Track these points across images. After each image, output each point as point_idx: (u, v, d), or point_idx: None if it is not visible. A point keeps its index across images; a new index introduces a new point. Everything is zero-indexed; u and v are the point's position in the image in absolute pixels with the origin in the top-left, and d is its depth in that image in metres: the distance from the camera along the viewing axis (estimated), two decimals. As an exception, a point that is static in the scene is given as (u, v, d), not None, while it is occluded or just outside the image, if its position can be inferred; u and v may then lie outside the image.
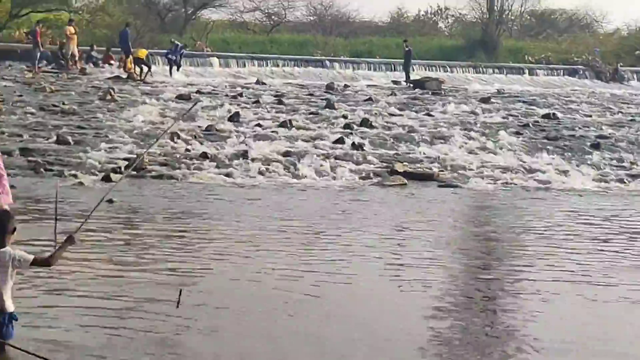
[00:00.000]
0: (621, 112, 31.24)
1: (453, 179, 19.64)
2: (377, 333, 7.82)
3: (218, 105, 27.06)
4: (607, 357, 7.53)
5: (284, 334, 7.77)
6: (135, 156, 18.95)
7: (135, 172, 17.44)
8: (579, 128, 26.59)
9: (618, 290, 9.81)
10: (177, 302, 7.98)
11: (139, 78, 33.81)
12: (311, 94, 31.69)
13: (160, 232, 12.43)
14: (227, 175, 18.79)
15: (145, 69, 34.44)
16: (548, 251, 11.91)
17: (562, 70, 46.33)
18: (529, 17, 63.49)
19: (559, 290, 9.68)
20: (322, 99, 29.85)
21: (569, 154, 22.91)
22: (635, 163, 22.26)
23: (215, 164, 19.59)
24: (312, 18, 61.54)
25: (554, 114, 28.97)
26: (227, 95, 29.81)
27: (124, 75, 34.26)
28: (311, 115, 26.08)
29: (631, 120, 29.06)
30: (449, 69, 43.83)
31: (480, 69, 44.76)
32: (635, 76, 46.93)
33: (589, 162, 22.08)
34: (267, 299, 8.84)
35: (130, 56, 35.28)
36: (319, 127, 24.36)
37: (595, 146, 23.78)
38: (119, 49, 36.58)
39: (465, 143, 23.30)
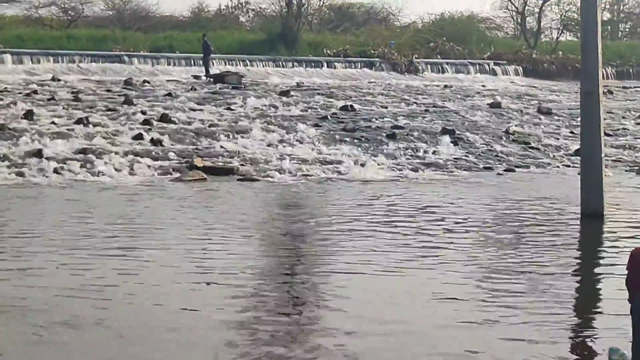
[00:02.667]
0: (416, 103, 32.19)
1: (253, 172, 19.73)
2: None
3: (11, 103, 26.12)
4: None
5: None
6: None
7: None
8: (376, 119, 27.21)
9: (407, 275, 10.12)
10: None
11: None
12: (109, 90, 31.08)
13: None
14: (20, 175, 18.20)
15: None
16: (345, 236, 12.14)
17: (359, 63, 47.24)
18: (327, 11, 64.51)
19: (358, 269, 9.88)
20: (120, 95, 29.32)
21: (366, 144, 23.44)
22: (428, 152, 23.02)
23: (7, 163, 18.94)
24: (110, 13, 60.31)
25: (351, 105, 29.55)
26: (20, 93, 28.80)
27: None
28: (109, 112, 25.57)
29: (425, 110, 29.97)
30: (249, 63, 43.90)
31: (281, 62, 45.06)
32: (429, 67, 48.43)
33: (384, 152, 22.65)
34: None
35: None
36: (117, 123, 23.93)
37: (391, 136, 24.42)
38: None
39: (265, 136, 23.45)
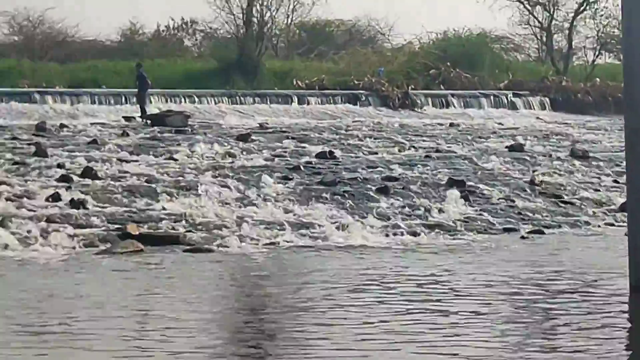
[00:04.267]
0: (413, 147, 32.35)
1: (204, 240, 19.69)
2: None
3: None
4: None
5: None
6: None
7: None
8: (363, 169, 27.30)
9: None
10: None
11: None
12: (15, 138, 31.08)
13: None
14: None
15: None
16: (324, 332, 12.09)
17: (340, 97, 47.56)
18: (298, 31, 64.92)
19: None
20: (29, 144, 29.30)
21: (350, 202, 23.45)
22: (431, 210, 23.05)
23: None
24: (16, 38, 60.54)
25: (330, 152, 29.64)
26: None
27: None
28: (15, 166, 25.54)
29: (426, 156, 30.09)
30: (197, 99, 44.12)
31: (238, 97, 45.32)
32: (429, 101, 48.79)
33: (375, 212, 22.65)
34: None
35: None
36: (25, 181, 23.87)
37: (383, 191, 24.46)
38: None
39: (220, 194, 23.45)
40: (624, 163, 16.27)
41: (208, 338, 11.92)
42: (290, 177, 25.72)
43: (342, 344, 11.19)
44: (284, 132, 35.08)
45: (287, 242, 20.06)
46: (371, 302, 13.79)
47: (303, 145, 31.51)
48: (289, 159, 28.64)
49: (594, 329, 12.12)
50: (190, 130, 34.62)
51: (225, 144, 30.70)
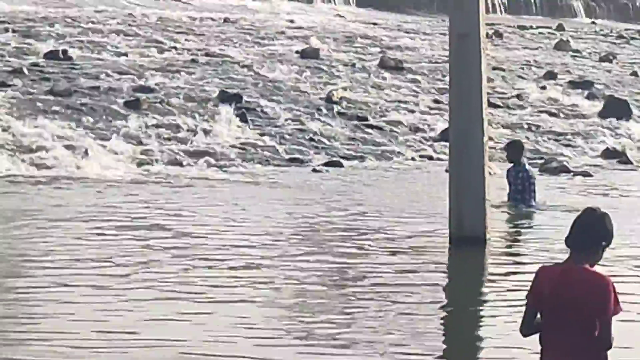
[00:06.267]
0: (175, 48, 32.18)
1: None
2: None
3: None
4: None
5: None
6: None
7: None
8: (107, 75, 27.13)
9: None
10: None
11: None
12: None
13: None
14: None
15: None
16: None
17: (78, -24, 47.02)
18: None
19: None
20: None
21: (90, 118, 23.37)
22: (196, 132, 23.16)
23: None
24: None
25: (64, 51, 29.35)
26: None
27: None
28: None
29: (192, 61, 30.03)
30: None
31: None
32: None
33: (122, 133, 22.65)
34: None
35: None
36: None
37: (133, 105, 24.43)
38: None
39: None
40: (447, 77, 16.59)
41: None
42: (9, 83, 25.46)
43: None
44: (2, 22, 34.55)
45: (5, 169, 19.99)
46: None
47: (28, 41, 31.09)
48: (8, 59, 28.27)
49: (407, 285, 12.42)
50: None
51: None
